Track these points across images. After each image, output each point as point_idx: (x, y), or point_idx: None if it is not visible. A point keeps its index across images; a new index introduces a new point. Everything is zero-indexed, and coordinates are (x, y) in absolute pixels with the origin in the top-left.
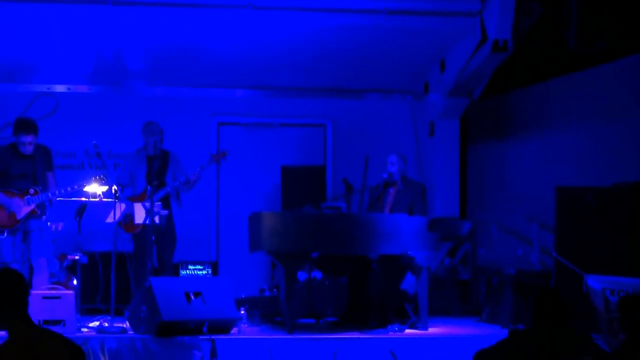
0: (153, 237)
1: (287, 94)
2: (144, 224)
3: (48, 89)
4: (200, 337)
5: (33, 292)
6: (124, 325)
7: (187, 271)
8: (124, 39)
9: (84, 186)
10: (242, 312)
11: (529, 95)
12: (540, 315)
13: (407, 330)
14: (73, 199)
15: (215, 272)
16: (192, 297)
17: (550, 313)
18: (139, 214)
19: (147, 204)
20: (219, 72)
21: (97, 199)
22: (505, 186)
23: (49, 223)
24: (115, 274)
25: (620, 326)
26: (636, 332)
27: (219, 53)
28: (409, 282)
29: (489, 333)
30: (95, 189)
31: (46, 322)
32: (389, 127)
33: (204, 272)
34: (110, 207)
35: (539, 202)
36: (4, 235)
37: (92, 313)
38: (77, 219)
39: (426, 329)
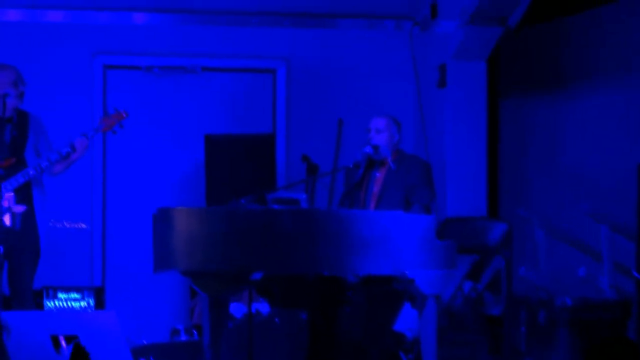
0: (1, 249)
1: (214, 20)
2: None
3: None
4: None
5: None
6: None
7: (57, 302)
8: None
9: None
10: None
11: (600, 22)
12: None
13: None
14: None
15: (100, 303)
16: (64, 343)
17: None
18: None
19: None
20: None
21: None
22: (560, 166)
23: None
24: None
25: None
26: None
27: None
28: (407, 320)
29: None
30: None
31: None
32: (375, 73)
33: (83, 303)
34: None
35: (614, 192)
36: None
37: None
38: None
39: None
